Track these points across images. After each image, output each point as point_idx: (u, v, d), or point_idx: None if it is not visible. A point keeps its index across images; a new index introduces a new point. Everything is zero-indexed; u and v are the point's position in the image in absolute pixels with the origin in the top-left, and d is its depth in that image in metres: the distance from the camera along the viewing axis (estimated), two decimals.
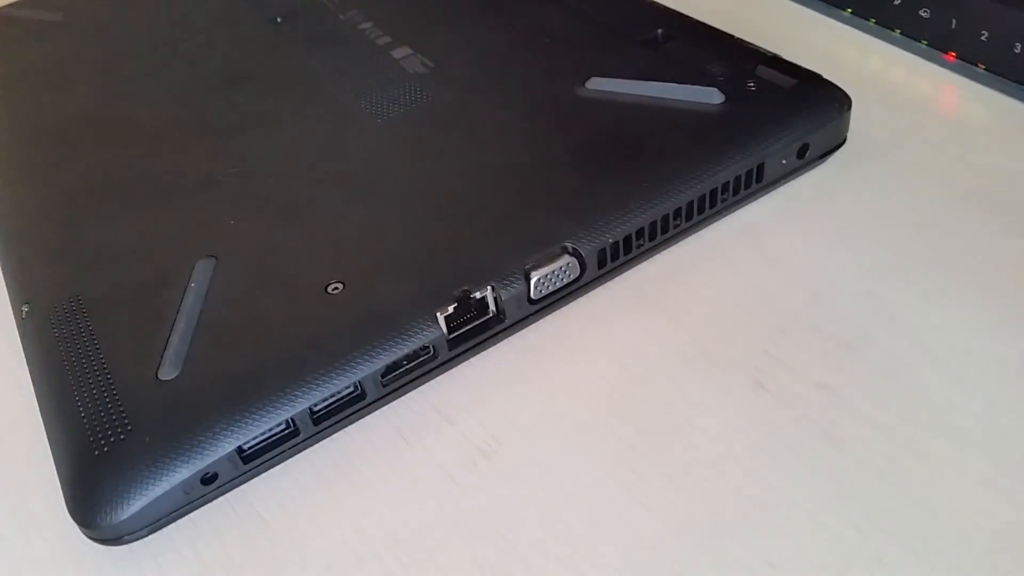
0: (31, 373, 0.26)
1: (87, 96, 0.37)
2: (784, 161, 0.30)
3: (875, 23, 0.38)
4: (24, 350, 0.27)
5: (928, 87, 0.35)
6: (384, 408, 0.25)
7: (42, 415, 0.24)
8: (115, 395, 0.23)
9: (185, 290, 0.26)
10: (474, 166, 0.30)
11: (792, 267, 0.28)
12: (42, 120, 0.36)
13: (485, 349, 0.26)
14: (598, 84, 0.32)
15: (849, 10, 0.39)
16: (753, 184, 0.29)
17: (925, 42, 0.36)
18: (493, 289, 0.26)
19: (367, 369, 0.24)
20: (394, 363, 0.24)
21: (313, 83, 0.35)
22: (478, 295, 0.25)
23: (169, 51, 0.39)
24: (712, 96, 0.31)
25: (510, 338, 0.27)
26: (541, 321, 0.27)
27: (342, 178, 0.30)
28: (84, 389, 0.23)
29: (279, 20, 0.40)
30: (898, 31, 0.37)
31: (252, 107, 0.35)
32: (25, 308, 0.27)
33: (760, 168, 0.29)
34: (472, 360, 0.26)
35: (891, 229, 0.29)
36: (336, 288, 0.25)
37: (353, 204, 0.29)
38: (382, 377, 0.24)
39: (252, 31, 0.40)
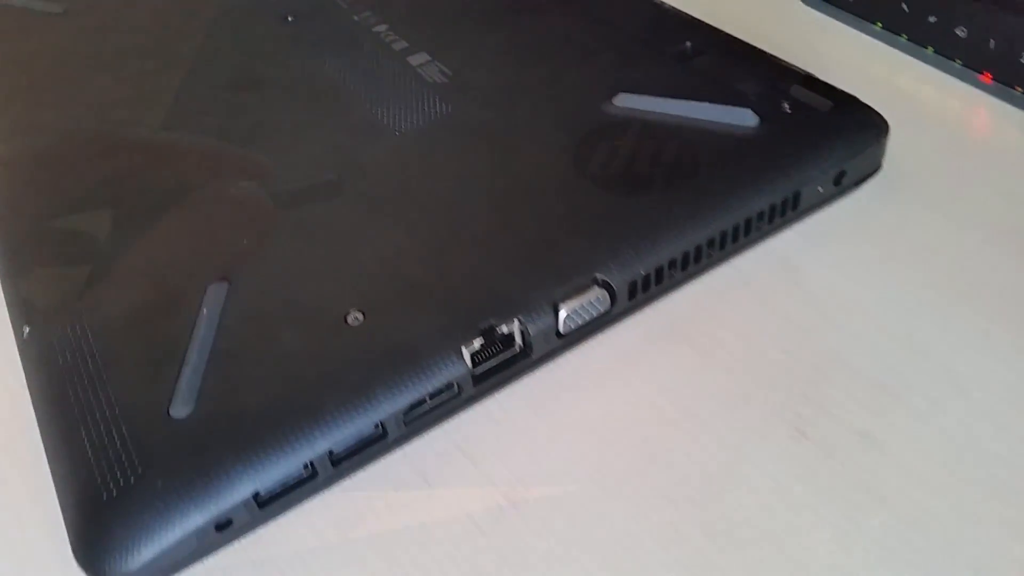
0: (33, 402, 0.24)
1: (88, 98, 0.36)
2: (820, 189, 0.29)
3: (906, 39, 0.37)
4: (25, 374, 0.25)
5: (962, 109, 0.34)
6: (405, 447, 0.24)
7: (45, 449, 0.23)
8: (124, 434, 0.22)
9: (196, 317, 0.25)
10: (497, 187, 0.28)
11: (828, 303, 0.27)
12: (40, 123, 0.35)
13: (509, 384, 0.25)
14: (627, 101, 0.31)
15: (879, 24, 0.38)
16: (789, 212, 0.28)
17: (959, 62, 0.35)
18: (520, 323, 0.24)
19: (389, 408, 0.23)
20: (417, 401, 0.23)
21: (327, 90, 0.34)
22: (505, 329, 0.24)
23: (175, 50, 0.38)
24: (747, 118, 0.29)
25: (535, 372, 0.26)
26: (567, 354, 0.26)
27: (360, 196, 0.29)
28: (91, 426, 0.22)
29: (290, 19, 0.39)
30: (931, 49, 0.36)
31: (263, 114, 0.33)
32: (26, 330, 0.26)
33: (796, 196, 0.28)
34: (496, 395, 0.25)
35: (929, 264, 0.28)
36: (356, 319, 0.24)
37: (372, 225, 0.27)
38: (404, 416, 0.23)
39: (263, 30, 0.38)
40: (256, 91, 0.35)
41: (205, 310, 0.25)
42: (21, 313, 0.26)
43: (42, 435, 0.23)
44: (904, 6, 0.36)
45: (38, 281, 0.27)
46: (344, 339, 0.24)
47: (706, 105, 0.30)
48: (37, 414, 0.24)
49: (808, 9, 0.40)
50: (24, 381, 0.25)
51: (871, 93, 0.31)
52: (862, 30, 0.39)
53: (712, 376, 0.25)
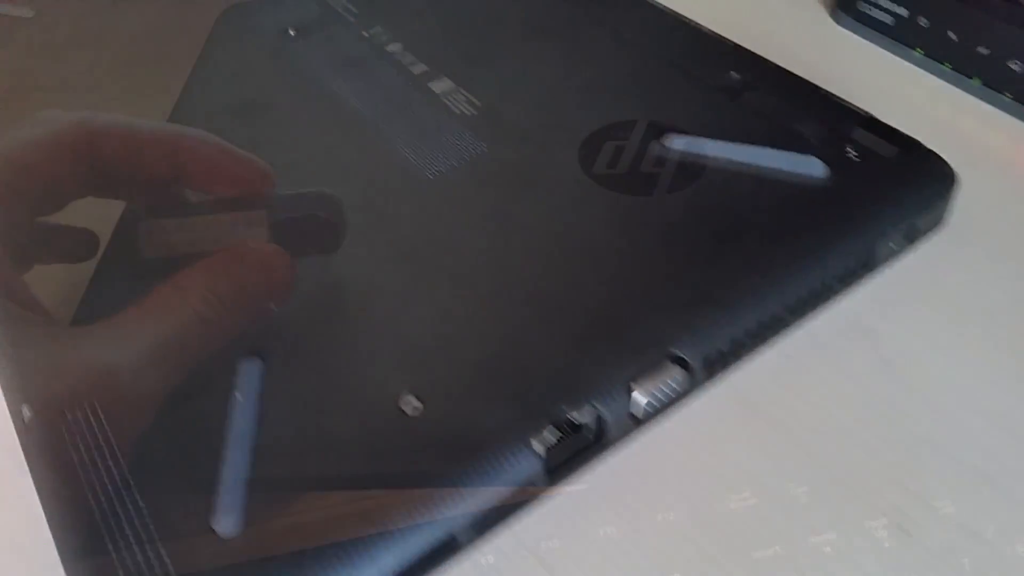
0: (43, 503, 0.21)
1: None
2: (893, 245, 0.27)
3: (950, 68, 0.35)
4: (29, 466, 0.22)
5: (1014, 147, 0.33)
6: (471, 549, 0.22)
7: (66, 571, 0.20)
8: (164, 558, 0.19)
9: (230, 403, 0.22)
10: (552, 246, 0.26)
11: (913, 374, 0.25)
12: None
13: (577, 472, 0.23)
14: (679, 144, 0.28)
15: (920, 51, 0.36)
16: (862, 270, 0.26)
17: (1009, 95, 0.34)
18: (594, 408, 0.22)
19: (460, 514, 0.20)
20: (489, 503, 0.21)
21: (341, 118, 0.31)
22: (577, 417, 0.22)
23: (162, 67, 0.34)
24: (814, 167, 0.27)
25: (605, 456, 0.23)
26: (638, 434, 0.24)
27: (398, 252, 0.26)
28: (123, 548, 0.19)
29: (292, 33, 0.35)
30: (977, 80, 0.34)
31: (270, 145, 0.30)
32: (26, 412, 0.23)
33: (872, 253, 0.26)
34: (564, 485, 0.23)
35: (1012, 328, 0.26)
36: (416, 408, 0.22)
37: (416, 289, 0.25)
38: (474, 520, 0.21)
39: (261, 45, 0.35)
40: (257, 115, 0.31)
41: (239, 395, 0.22)
42: (17, 392, 0.23)
43: (59, 551, 0.20)
44: (951, 34, 0.34)
45: (35, 345, 0.24)
46: (403, 432, 0.21)
47: (767, 151, 0.28)
48: (49, 520, 0.21)
49: (843, 31, 0.38)
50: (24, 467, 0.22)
51: (913, 127, 0.29)
52: (901, 55, 0.37)
53: (796, 459, 0.23)
